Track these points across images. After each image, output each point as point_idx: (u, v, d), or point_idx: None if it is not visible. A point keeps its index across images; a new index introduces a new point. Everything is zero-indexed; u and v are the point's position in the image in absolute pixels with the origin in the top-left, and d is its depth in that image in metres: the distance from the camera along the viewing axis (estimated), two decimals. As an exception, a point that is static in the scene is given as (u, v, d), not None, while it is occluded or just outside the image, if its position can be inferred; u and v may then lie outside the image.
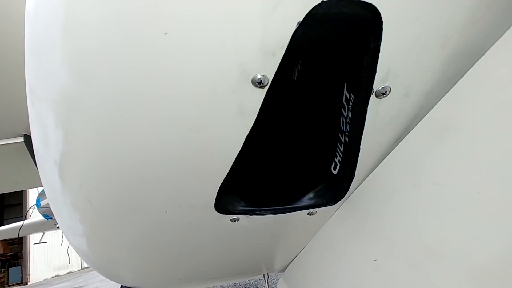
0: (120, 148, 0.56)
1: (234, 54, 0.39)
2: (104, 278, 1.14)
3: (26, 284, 8.59)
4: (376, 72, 0.43)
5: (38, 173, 0.82)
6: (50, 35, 0.48)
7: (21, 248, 9.00)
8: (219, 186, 0.61)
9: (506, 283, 0.39)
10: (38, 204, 2.71)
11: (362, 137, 0.52)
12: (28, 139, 1.88)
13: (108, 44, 0.43)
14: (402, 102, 0.47)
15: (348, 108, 0.51)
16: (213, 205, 0.66)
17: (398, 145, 0.52)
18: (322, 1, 0.37)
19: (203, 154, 0.53)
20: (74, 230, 0.88)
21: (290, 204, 0.71)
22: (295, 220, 0.75)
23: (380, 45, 0.40)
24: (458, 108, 0.43)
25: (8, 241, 8.69)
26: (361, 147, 0.54)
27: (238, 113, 0.45)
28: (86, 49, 0.44)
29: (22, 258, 9.06)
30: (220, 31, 0.38)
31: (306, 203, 0.71)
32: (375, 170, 0.58)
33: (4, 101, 1.68)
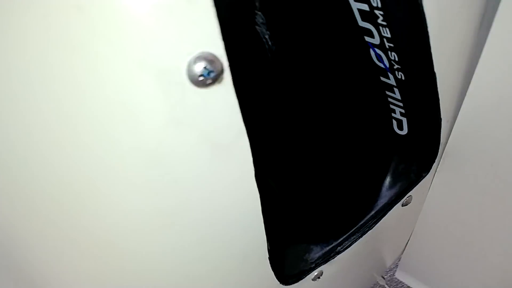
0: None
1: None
2: None
3: None
4: None
5: None
6: None
7: None
8: (268, 255, 0.38)
9: None
10: None
11: (430, 50, 0.28)
12: None
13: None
14: None
15: (379, 26, 0.28)
16: (279, 281, 0.42)
17: (491, 32, 0.27)
18: None
19: (216, 239, 0.31)
20: None
21: (372, 210, 0.47)
22: (390, 221, 0.51)
23: None
24: None
25: None
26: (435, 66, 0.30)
27: (217, 150, 0.22)
28: None
29: None
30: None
31: (391, 194, 0.47)
32: (469, 89, 0.34)
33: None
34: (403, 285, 2.12)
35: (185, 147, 0.22)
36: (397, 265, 1.02)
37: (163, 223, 0.26)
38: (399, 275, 1.00)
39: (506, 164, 0.39)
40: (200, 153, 0.22)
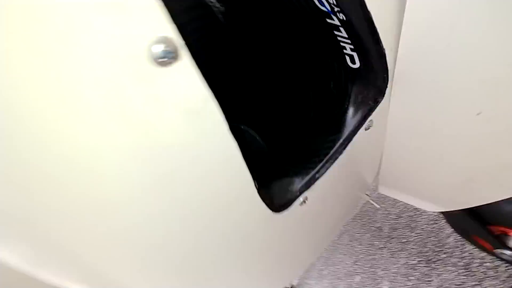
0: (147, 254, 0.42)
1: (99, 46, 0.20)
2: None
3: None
4: None
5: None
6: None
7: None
8: (257, 193, 0.46)
9: None
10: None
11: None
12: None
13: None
14: None
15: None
16: (272, 210, 0.51)
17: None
18: None
19: (211, 190, 0.37)
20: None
21: (340, 138, 0.54)
22: (358, 144, 0.59)
23: None
24: None
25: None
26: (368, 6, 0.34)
27: (190, 116, 0.27)
28: None
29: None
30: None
31: (354, 123, 0.54)
32: (405, 18, 0.38)
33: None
34: (388, 198, 2.34)
35: (164, 118, 0.26)
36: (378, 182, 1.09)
37: (162, 182, 0.32)
38: (382, 190, 1.07)
39: (443, 81, 0.45)
40: (176, 121, 0.27)
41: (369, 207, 2.46)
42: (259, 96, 0.49)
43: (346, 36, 0.41)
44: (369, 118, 0.54)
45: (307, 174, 0.55)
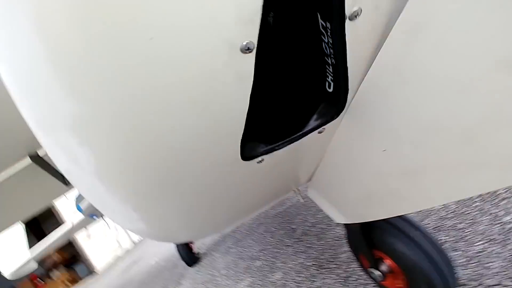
0: (147, 142, 0.62)
1: (219, 37, 0.42)
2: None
3: (96, 272, 9.54)
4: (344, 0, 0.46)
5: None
6: (35, 70, 0.50)
7: (75, 248, 9.77)
8: (240, 141, 0.69)
9: (496, 137, 0.48)
10: (79, 209, 2.85)
11: (346, 54, 0.57)
12: (36, 158, 1.89)
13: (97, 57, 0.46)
14: (374, 15, 0.51)
15: (327, 35, 0.55)
16: (240, 157, 0.74)
17: (379, 52, 0.57)
18: None
19: (219, 124, 0.59)
20: (131, 219, 0.99)
21: (301, 131, 0.80)
22: (309, 141, 0.85)
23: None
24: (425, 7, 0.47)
25: (62, 249, 9.28)
26: (347, 63, 0.59)
27: (236, 80, 0.49)
28: (79, 71, 0.47)
29: (80, 255, 9.89)
30: (199, 23, 0.40)
31: (314, 125, 0.79)
32: (365, 78, 0.64)
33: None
34: (312, 208, 2.59)
35: (229, 78, 0.49)
36: (308, 186, 1.20)
37: (202, 105, 0.54)
38: (309, 193, 1.22)
39: (369, 123, 0.72)
40: (235, 79, 0.50)
41: (292, 210, 2.76)
42: (267, 84, 0.72)
43: (332, 71, 0.66)
44: (324, 126, 0.80)
45: (270, 144, 0.80)
